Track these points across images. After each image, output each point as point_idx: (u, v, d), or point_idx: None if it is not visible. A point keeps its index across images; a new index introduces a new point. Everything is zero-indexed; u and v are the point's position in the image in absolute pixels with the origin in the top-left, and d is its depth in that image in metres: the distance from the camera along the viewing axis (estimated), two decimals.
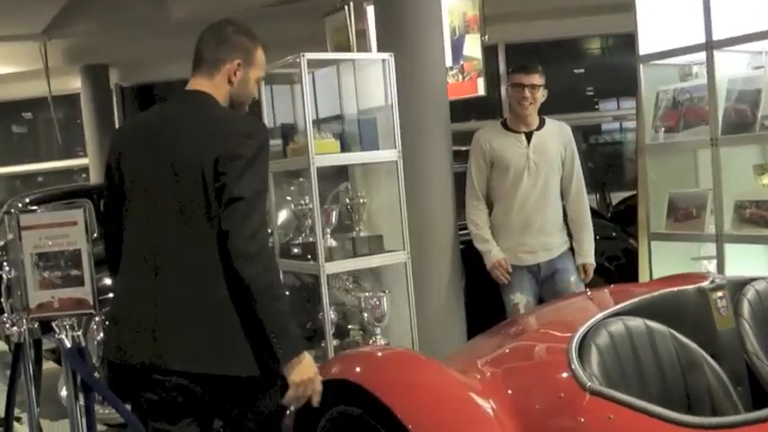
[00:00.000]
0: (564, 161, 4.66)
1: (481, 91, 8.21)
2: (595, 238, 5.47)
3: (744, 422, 2.02)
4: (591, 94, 12.23)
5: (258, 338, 2.47)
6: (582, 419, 2.19)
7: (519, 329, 3.01)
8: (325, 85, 4.73)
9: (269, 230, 2.88)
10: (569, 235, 4.76)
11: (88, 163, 11.01)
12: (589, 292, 3.42)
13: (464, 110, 9.89)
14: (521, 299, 4.63)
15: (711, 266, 4.65)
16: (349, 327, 4.68)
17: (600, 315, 2.55)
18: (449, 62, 8.55)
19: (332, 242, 4.45)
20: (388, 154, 4.43)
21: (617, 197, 8.46)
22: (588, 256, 4.69)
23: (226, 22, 2.76)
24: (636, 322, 2.56)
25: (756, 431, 1.96)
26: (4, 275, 4.16)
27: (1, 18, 8.65)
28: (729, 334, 2.72)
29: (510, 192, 4.57)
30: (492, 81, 10.42)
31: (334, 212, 4.45)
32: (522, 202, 4.55)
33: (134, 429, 4.20)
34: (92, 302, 3.98)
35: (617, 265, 6.01)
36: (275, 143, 4.59)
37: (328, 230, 4.44)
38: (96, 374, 4.71)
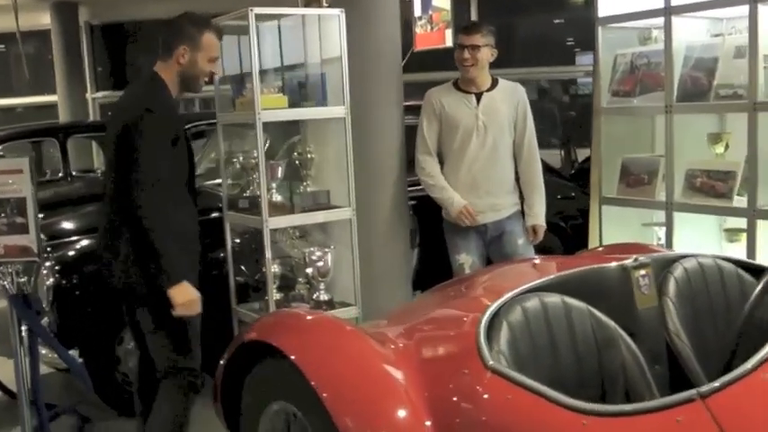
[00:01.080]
0: (516, 123, 4.58)
1: (449, 42, 8.15)
2: (554, 198, 5.45)
3: (634, 411, 2.01)
4: (571, 44, 12.07)
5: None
6: (483, 397, 2.16)
7: (442, 298, 2.97)
8: (275, 39, 4.63)
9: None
10: (521, 197, 4.71)
11: (57, 100, 10.85)
12: (515, 264, 3.37)
13: (438, 59, 9.77)
14: (466, 259, 4.61)
15: (662, 233, 4.63)
16: (298, 280, 4.66)
17: (517, 290, 2.51)
18: (418, 12, 8.47)
19: (277, 197, 4.40)
20: (336, 110, 4.35)
21: (585, 153, 8.40)
22: (538, 217, 4.61)
23: (183, 14, 3.48)
24: (553, 298, 2.52)
25: (642, 422, 1.94)
26: None
27: None
28: (651, 313, 2.68)
29: (458, 152, 4.51)
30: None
31: (280, 167, 4.38)
32: (469, 163, 4.50)
33: (78, 373, 4.25)
34: (36, 250, 3.98)
35: (573, 225, 5.99)
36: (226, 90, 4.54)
37: (274, 185, 4.38)
38: (46, 320, 4.70)
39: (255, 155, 4.41)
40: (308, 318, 3.00)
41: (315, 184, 4.57)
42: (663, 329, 2.71)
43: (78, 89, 10.69)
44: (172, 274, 3.21)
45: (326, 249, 4.41)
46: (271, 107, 4.17)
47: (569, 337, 2.51)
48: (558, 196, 6.05)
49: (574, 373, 2.49)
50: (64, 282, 4.63)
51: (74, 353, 4.57)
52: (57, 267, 4.64)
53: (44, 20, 10.95)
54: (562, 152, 7.61)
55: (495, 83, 4.62)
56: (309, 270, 4.44)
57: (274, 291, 4.50)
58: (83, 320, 4.60)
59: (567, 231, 5.97)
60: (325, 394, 2.44)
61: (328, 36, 4.41)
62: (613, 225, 4.81)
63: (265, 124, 4.15)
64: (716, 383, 2.01)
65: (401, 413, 2.35)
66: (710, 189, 4.26)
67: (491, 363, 2.19)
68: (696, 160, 4.37)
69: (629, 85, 4.65)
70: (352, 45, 4.36)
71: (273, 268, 4.45)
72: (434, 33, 8.34)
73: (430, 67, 9.93)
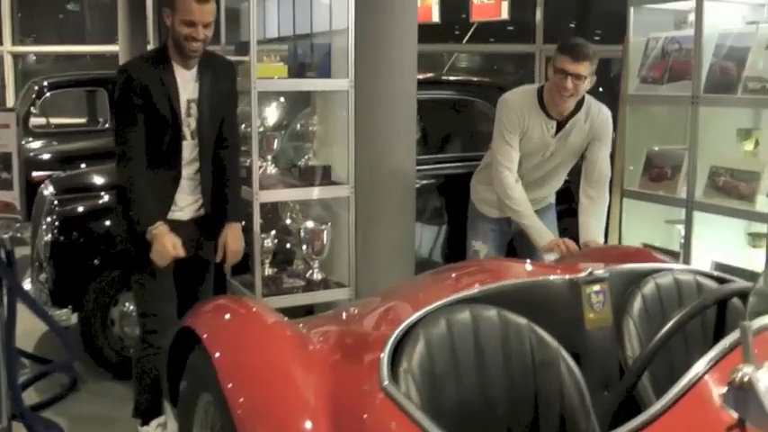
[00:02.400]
0: (590, 146, 4.11)
1: (505, 14, 7.88)
2: None
3: None
4: None
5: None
6: (370, 420, 1.98)
7: (378, 301, 2.77)
8: (290, 6, 4.44)
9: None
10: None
11: (118, 50, 10.88)
12: (462, 267, 3.12)
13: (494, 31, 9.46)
14: (481, 247, 4.38)
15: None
16: (296, 256, 4.52)
17: (445, 300, 2.30)
18: None
19: (272, 169, 4.25)
20: (339, 83, 4.16)
21: None
22: (596, 237, 4.07)
23: None
24: (488, 311, 2.30)
25: None
26: None
27: None
28: (603, 333, 2.44)
29: (519, 159, 4.13)
30: (525, 4, 9.94)
31: (276, 139, 4.23)
32: (524, 172, 4.13)
33: (59, 334, 4.21)
34: (18, 207, 3.92)
35: None
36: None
37: (269, 157, 4.23)
38: (43, 275, 4.69)
39: (260, 124, 4.29)
40: (237, 308, 2.84)
41: (318, 159, 4.41)
42: (618, 351, 2.47)
43: (139, 40, 10.69)
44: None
45: (323, 226, 4.26)
46: (268, 76, 4.01)
47: (503, 355, 2.29)
48: None
49: (504, 395, 2.29)
50: (62, 238, 4.59)
51: (68, 311, 4.56)
52: (56, 223, 4.61)
53: None
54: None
55: (578, 106, 4.03)
56: (304, 247, 4.30)
57: (268, 265, 4.40)
58: (78, 279, 4.55)
59: None
60: (227, 386, 2.30)
61: (340, 4, 4.20)
62: (635, 220, 4.52)
63: (279, 93, 4.00)
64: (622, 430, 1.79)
65: (301, 421, 2.18)
66: (733, 189, 3.95)
67: (385, 383, 2.00)
68: (721, 157, 4.04)
69: (658, 71, 4.33)
70: (361, 13, 4.14)
71: (267, 242, 4.35)
72: (490, 5, 8.02)
73: (485, 38, 9.66)
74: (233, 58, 4.43)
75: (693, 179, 4.09)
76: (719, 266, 4.00)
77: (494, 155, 4.12)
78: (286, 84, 4.15)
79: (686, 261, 4.11)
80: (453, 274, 2.91)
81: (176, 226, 3.48)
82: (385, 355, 2.08)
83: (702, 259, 4.12)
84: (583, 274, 2.45)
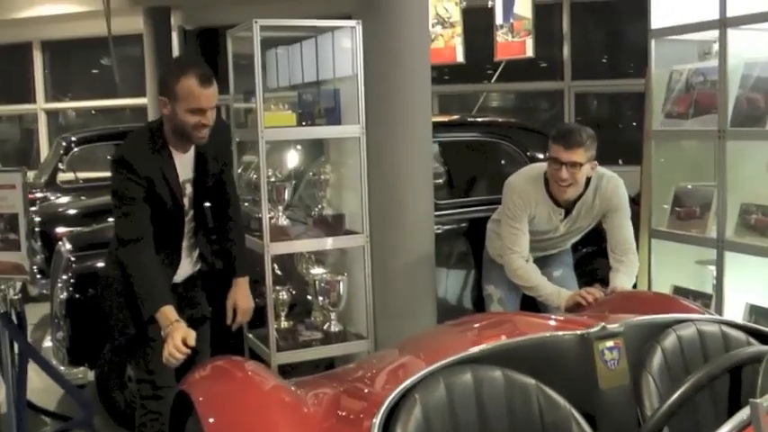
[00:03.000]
0: (607, 221, 3.94)
1: (530, 52, 7.76)
2: None
3: None
4: None
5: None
6: None
7: (385, 357, 2.61)
8: (297, 56, 4.36)
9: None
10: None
11: (147, 103, 10.96)
12: (479, 321, 2.96)
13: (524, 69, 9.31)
14: (494, 291, 4.26)
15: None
16: (313, 307, 4.38)
17: (444, 361, 2.13)
18: (499, 20, 8.05)
19: (284, 220, 4.13)
20: (350, 129, 4.04)
21: None
22: (621, 284, 3.84)
23: (175, 57, 3.37)
24: (491, 372, 2.13)
25: None
26: None
27: None
28: (619, 392, 2.25)
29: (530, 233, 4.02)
30: (553, 41, 9.81)
31: (286, 189, 4.10)
32: (533, 249, 4.01)
33: (72, 394, 4.12)
34: (27, 268, 3.87)
35: None
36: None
37: (280, 207, 4.11)
38: (60, 334, 4.61)
39: (270, 173, 4.19)
40: (232, 372, 2.70)
41: (332, 207, 4.28)
42: (636, 411, 2.28)
43: None
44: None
45: (339, 278, 4.12)
46: (275, 125, 3.90)
47: (508, 420, 2.12)
48: None
49: None
50: (77, 295, 4.51)
51: (84, 369, 4.48)
52: (72, 281, 4.54)
53: (138, 24, 11.09)
54: None
55: (587, 183, 3.86)
56: (320, 298, 4.16)
57: (284, 318, 4.27)
58: (94, 336, 4.45)
59: None
60: None
61: (343, 50, 4.10)
62: (663, 260, 4.32)
63: (290, 141, 3.89)
64: None
65: None
66: (766, 228, 3.74)
67: None
68: (752, 194, 3.84)
69: (683, 105, 4.16)
70: (373, 58, 4.04)
71: (283, 294, 4.22)
72: (515, 43, 7.92)
73: (517, 77, 9.50)
74: (241, 106, 4.34)
75: (723, 218, 3.89)
76: (754, 309, 3.79)
77: (502, 237, 4.01)
78: (294, 132, 4.04)
79: (719, 304, 3.90)
80: (463, 330, 2.74)
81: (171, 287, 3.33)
82: (377, 421, 1.92)
83: (736, 302, 3.91)
84: (595, 329, 2.27)
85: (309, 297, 4.43)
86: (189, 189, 3.33)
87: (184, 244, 3.41)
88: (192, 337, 3.00)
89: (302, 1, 9.16)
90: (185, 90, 3.07)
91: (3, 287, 3.84)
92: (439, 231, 4.72)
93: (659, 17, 4.21)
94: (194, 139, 3.19)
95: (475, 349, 2.20)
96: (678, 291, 4.27)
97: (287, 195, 4.11)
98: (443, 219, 4.90)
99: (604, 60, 10.80)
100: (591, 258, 5.03)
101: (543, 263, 4.16)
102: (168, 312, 3.05)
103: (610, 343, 2.26)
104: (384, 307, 4.22)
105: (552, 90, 10.15)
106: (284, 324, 4.26)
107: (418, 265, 4.29)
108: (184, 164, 3.29)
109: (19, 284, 4.02)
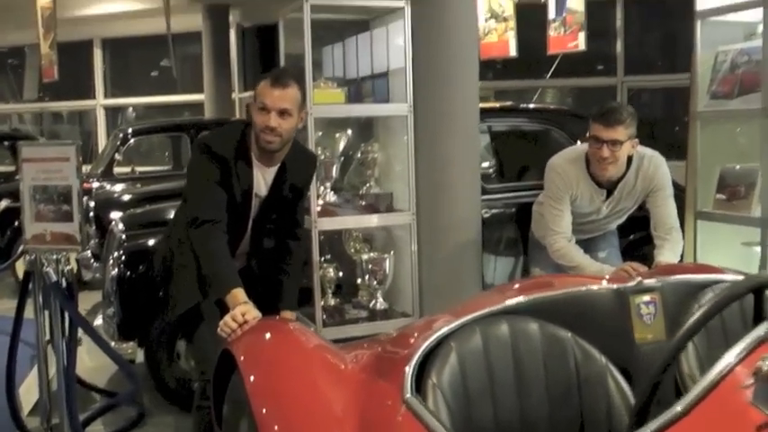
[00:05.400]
0: (651, 201, 3.94)
1: (582, 46, 7.76)
2: None
3: None
4: None
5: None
6: None
7: (416, 324, 2.67)
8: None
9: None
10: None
11: (204, 99, 11.18)
12: (520, 282, 3.00)
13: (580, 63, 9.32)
14: (540, 273, 4.26)
15: None
16: (364, 285, 4.46)
17: (480, 312, 2.19)
18: (552, 14, 8.07)
19: (332, 196, 4.22)
20: (398, 107, 4.12)
21: None
22: (666, 259, 3.83)
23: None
24: (528, 324, 2.18)
25: None
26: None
27: None
28: (656, 348, 2.28)
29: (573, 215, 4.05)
30: (608, 35, 9.78)
31: (334, 166, 4.20)
32: (578, 232, 4.05)
33: (122, 367, 4.21)
34: (79, 239, 3.97)
35: None
36: None
37: (328, 184, 4.20)
38: (111, 310, 4.73)
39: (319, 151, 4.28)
40: (275, 331, 2.78)
41: (380, 187, 4.37)
42: (674, 369, 2.30)
43: (224, 89, 10.96)
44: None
45: (385, 255, 4.20)
46: (324, 102, 4.00)
47: (544, 371, 2.16)
48: None
49: (545, 416, 2.15)
50: (128, 273, 4.63)
51: (134, 345, 4.59)
52: (123, 258, 4.66)
53: (197, 22, 11.33)
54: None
55: (629, 164, 3.86)
56: (366, 276, 4.24)
57: (331, 296, 4.36)
58: (144, 313, 4.58)
59: None
60: (259, 409, 2.23)
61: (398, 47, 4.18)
62: (709, 242, 4.32)
63: (341, 121, 3.97)
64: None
65: None
66: None
67: (407, 396, 1.91)
68: None
69: (728, 85, 4.16)
70: (421, 40, 4.12)
71: (330, 272, 4.31)
72: (567, 36, 7.93)
73: (573, 72, 9.50)
74: None
75: (767, 197, 3.88)
76: None
77: (545, 218, 4.03)
78: (343, 110, 4.13)
79: None
80: (502, 289, 2.79)
81: None
82: (410, 368, 1.99)
83: None
84: (631, 284, 2.31)
85: (357, 278, 4.51)
86: (259, 199, 3.33)
87: (239, 250, 3.40)
88: (252, 313, 2.91)
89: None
90: (259, 88, 3.12)
91: (56, 257, 3.94)
92: (487, 215, 4.77)
93: (706, 0, 4.22)
94: (261, 142, 3.15)
95: (512, 301, 2.26)
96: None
97: (335, 172, 4.20)
98: (492, 203, 4.93)
99: (657, 56, 10.73)
100: (640, 245, 5.02)
101: (589, 245, 4.18)
102: (238, 294, 2.99)
103: (646, 297, 2.29)
104: (430, 285, 4.28)
105: (606, 86, 10.12)
106: (331, 302, 4.35)
107: (464, 243, 4.35)
108: (261, 179, 3.28)
109: (73, 255, 4.10)
